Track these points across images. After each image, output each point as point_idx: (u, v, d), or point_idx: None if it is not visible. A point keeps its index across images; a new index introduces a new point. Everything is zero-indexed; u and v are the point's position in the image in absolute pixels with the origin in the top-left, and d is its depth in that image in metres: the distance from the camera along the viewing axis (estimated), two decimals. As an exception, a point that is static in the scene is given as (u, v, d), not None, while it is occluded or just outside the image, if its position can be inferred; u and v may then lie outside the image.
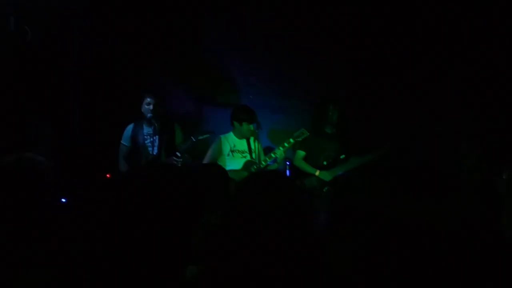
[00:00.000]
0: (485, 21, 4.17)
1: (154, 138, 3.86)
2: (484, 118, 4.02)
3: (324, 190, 4.09)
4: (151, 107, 3.84)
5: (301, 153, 4.25)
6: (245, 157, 4.09)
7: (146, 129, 3.98)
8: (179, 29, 4.78)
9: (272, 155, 4.02)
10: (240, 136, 4.09)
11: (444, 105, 4.38)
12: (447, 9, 4.32)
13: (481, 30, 4.20)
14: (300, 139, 4.04)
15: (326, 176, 4.12)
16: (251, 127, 4.00)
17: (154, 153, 3.87)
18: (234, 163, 4.05)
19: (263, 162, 4.01)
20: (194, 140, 3.88)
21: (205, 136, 3.95)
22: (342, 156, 4.17)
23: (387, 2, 4.51)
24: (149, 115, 3.88)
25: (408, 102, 4.51)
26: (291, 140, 4.02)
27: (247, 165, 4.04)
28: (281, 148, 4.01)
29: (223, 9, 4.73)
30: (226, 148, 4.08)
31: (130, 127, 4.02)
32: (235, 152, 4.09)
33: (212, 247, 1.70)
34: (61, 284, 1.52)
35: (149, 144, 3.94)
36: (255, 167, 3.98)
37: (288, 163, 4.68)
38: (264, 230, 1.38)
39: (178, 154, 3.79)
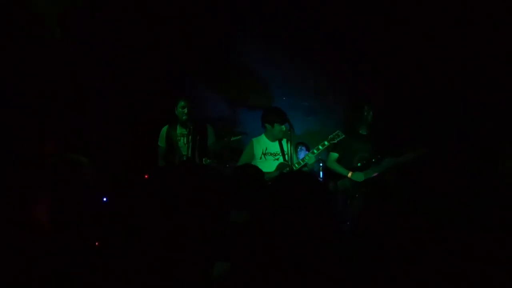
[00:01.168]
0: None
1: (188, 139, 3.97)
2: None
3: (356, 195, 4.03)
4: (185, 110, 3.97)
5: (334, 155, 4.22)
6: (277, 159, 4.08)
7: (180, 130, 4.13)
8: (210, 32, 4.87)
9: (301, 161, 4.00)
10: (272, 138, 4.10)
11: (480, 106, 4.20)
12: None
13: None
14: (335, 141, 3.98)
15: (359, 177, 4.07)
16: (283, 128, 3.99)
17: (188, 154, 3.99)
18: (266, 166, 4.04)
19: (296, 165, 4.01)
20: (226, 141, 3.96)
21: (237, 137, 4.02)
22: (374, 160, 4.09)
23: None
24: (183, 117, 4.01)
25: (444, 103, 4.37)
26: (326, 143, 3.98)
27: (280, 167, 4.03)
28: (310, 155, 3.98)
29: (255, 10, 4.77)
30: (258, 151, 4.09)
31: (164, 128, 4.19)
32: (267, 154, 4.09)
33: (240, 245, 1.76)
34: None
35: (183, 144, 4.07)
36: (287, 169, 3.97)
37: (321, 164, 4.67)
38: (290, 229, 1.42)
39: (209, 157, 3.88)
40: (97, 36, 4.46)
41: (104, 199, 3.21)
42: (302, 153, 4.86)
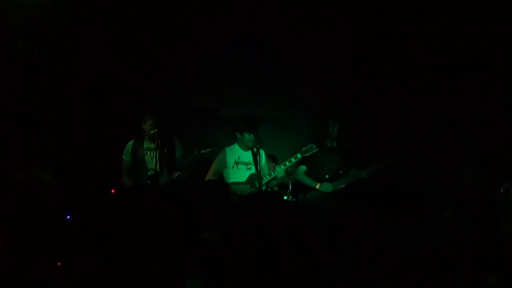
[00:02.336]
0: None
1: (155, 153, 3.91)
2: (484, 131, 4.03)
3: (325, 206, 4.08)
4: (153, 123, 3.90)
5: (303, 168, 4.27)
6: (249, 169, 4.05)
7: (146, 144, 4.05)
8: (179, 43, 4.86)
9: (272, 173, 4.00)
10: (244, 147, 4.07)
11: (443, 118, 4.40)
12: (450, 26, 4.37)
13: (481, 49, 4.23)
14: (308, 154, 3.99)
15: (327, 188, 4.14)
16: (252, 136, 3.96)
17: (156, 168, 3.92)
18: (238, 175, 4.04)
19: (267, 176, 4.02)
20: (196, 154, 3.92)
21: (207, 150, 3.98)
22: (341, 171, 4.17)
23: (388, 15, 4.55)
24: (151, 131, 3.94)
25: (408, 114, 4.53)
26: (299, 155, 3.98)
27: (250, 178, 4.03)
28: (282, 166, 3.99)
29: (223, 22, 4.80)
30: (231, 160, 4.06)
31: (130, 143, 4.09)
32: (240, 163, 4.06)
33: (213, 263, 1.74)
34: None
35: (149, 158, 4.00)
36: (258, 181, 3.95)
37: (290, 177, 4.70)
38: (261, 248, 1.44)
39: (178, 171, 3.83)
40: (62, 49, 4.36)
41: (68, 217, 3.08)
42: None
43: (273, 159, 4.89)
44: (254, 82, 5.06)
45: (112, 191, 4.41)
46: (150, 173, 3.96)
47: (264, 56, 4.95)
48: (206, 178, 4.09)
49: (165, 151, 3.97)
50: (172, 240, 1.62)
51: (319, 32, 4.79)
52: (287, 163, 4.00)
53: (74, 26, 4.41)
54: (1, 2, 3.87)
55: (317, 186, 4.16)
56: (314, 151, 4.00)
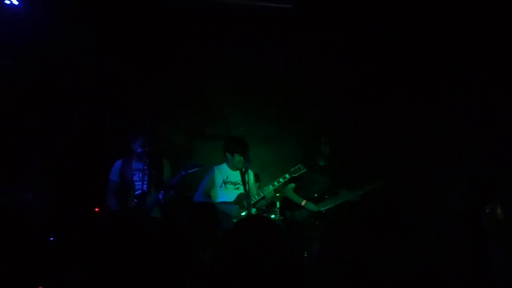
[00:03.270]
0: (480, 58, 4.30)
1: (143, 173, 3.85)
2: (471, 151, 4.08)
3: (312, 225, 4.07)
4: (142, 143, 3.85)
5: (291, 185, 4.27)
6: (237, 188, 4.05)
7: (135, 165, 3.99)
8: (167, 62, 4.85)
9: (261, 193, 3.99)
10: (233, 167, 4.07)
11: (432, 138, 4.44)
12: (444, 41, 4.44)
13: (479, 69, 4.31)
14: (296, 174, 4.01)
15: (312, 207, 4.14)
16: (243, 158, 3.95)
17: (144, 189, 3.85)
18: (226, 195, 4.02)
19: (256, 196, 3.99)
20: (183, 174, 3.88)
21: (194, 169, 3.94)
22: (330, 192, 4.17)
23: (377, 30, 4.60)
24: (139, 150, 3.89)
25: (397, 134, 4.56)
26: (287, 176, 3.99)
27: (239, 198, 4.00)
28: (271, 187, 3.98)
29: (211, 40, 4.81)
30: (219, 180, 4.06)
31: (118, 162, 4.02)
32: (228, 183, 4.06)
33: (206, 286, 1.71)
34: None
35: (138, 179, 3.93)
36: (247, 201, 3.92)
37: (278, 195, 4.68)
38: (251, 272, 1.42)
39: (165, 191, 3.78)
40: (49, 65, 4.31)
41: (51, 238, 2.98)
42: None
43: (256, 178, 4.88)
44: (240, 99, 5.07)
45: (96, 209, 4.31)
46: (137, 193, 3.89)
47: (250, 73, 4.97)
48: (195, 198, 4.05)
49: (153, 171, 3.91)
50: (162, 264, 1.59)
51: (307, 49, 4.83)
52: (276, 183, 3.99)
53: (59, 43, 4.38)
54: None
55: (303, 203, 4.17)
56: (302, 171, 4.01)
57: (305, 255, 3.81)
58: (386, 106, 4.70)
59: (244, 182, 3.95)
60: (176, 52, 4.83)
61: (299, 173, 4.00)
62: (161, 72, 4.84)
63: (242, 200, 3.95)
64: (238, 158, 3.98)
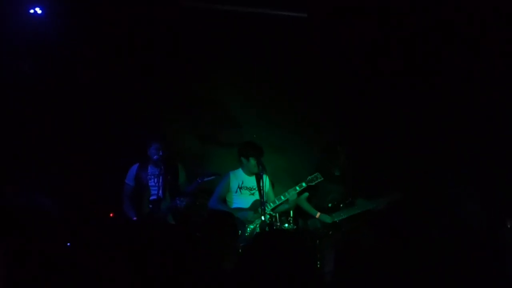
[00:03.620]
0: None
1: (159, 178, 3.89)
2: (488, 164, 4.01)
3: (325, 236, 4.02)
4: (159, 151, 3.89)
5: (305, 194, 4.24)
6: (253, 194, 4.03)
7: (151, 170, 4.03)
8: (183, 69, 4.89)
9: (282, 197, 3.94)
10: (249, 172, 4.07)
11: (447, 152, 4.38)
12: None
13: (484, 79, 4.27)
14: (313, 183, 3.97)
15: (327, 218, 4.09)
16: (257, 162, 3.92)
17: (159, 194, 3.89)
18: (241, 201, 4.02)
19: (271, 204, 3.97)
20: (200, 181, 3.91)
21: (210, 178, 3.96)
22: (345, 202, 4.11)
23: (394, 43, 4.58)
24: (155, 157, 3.93)
25: (413, 144, 4.51)
26: (304, 184, 3.97)
27: (254, 205, 3.98)
28: (293, 190, 3.94)
29: (226, 48, 4.84)
30: (234, 185, 4.06)
31: (134, 167, 4.07)
32: (243, 188, 4.06)
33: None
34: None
35: (153, 184, 3.97)
36: (261, 208, 3.81)
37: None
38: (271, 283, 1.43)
39: (181, 197, 3.80)
40: (64, 73, 4.40)
41: (68, 244, 3.00)
42: None
43: (271, 184, 4.87)
44: (253, 106, 5.08)
45: (111, 214, 4.35)
46: (152, 198, 3.93)
47: (264, 81, 4.98)
48: (210, 202, 4.06)
49: (169, 177, 3.95)
50: (182, 272, 1.60)
51: (321, 57, 4.84)
52: (292, 191, 3.96)
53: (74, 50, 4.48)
54: None
55: (317, 216, 4.11)
56: (319, 180, 3.98)
57: (318, 265, 3.77)
58: (403, 116, 4.66)
59: (259, 187, 3.89)
60: (191, 60, 4.88)
61: (316, 181, 3.97)
62: (176, 79, 4.88)
63: (257, 206, 3.92)
64: (253, 162, 3.98)
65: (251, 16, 4.61)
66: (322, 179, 3.98)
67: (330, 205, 4.17)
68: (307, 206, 4.20)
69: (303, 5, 4.54)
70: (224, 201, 4.09)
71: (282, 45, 4.79)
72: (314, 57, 4.84)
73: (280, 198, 3.98)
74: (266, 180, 4.04)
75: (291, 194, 3.94)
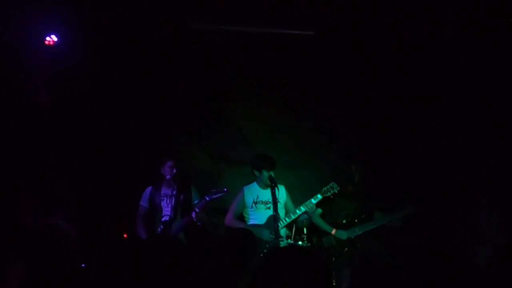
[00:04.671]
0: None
1: (171, 199, 3.92)
2: (506, 175, 3.94)
3: (340, 253, 3.97)
4: (173, 169, 3.93)
5: (319, 210, 4.21)
6: (269, 208, 3.96)
7: (164, 191, 4.07)
8: (194, 89, 4.96)
9: (298, 211, 3.90)
10: (263, 185, 4.04)
11: (459, 158, 4.34)
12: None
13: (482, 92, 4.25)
14: (329, 194, 3.92)
15: (343, 235, 4.03)
16: (272, 173, 3.92)
17: (171, 215, 3.92)
18: (257, 216, 3.99)
19: (286, 219, 3.94)
20: (208, 199, 3.91)
21: (218, 195, 3.94)
22: (360, 218, 4.05)
23: (405, 57, 4.59)
24: (168, 176, 3.97)
25: (426, 156, 4.48)
26: (319, 196, 3.93)
27: (269, 221, 3.89)
28: (312, 201, 3.89)
29: (236, 67, 4.91)
30: (249, 200, 4.04)
31: (149, 188, 4.13)
32: (259, 203, 4.02)
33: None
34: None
35: (165, 204, 4.00)
36: (275, 225, 3.75)
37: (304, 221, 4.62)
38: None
39: (195, 212, 3.80)
40: (79, 95, 4.51)
41: (83, 265, 3.02)
42: None
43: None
44: (264, 125, 5.11)
45: (125, 235, 4.38)
46: (164, 219, 3.95)
47: (274, 100, 5.01)
48: (226, 220, 4.04)
49: (181, 197, 3.98)
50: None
51: (328, 75, 4.87)
52: (308, 204, 3.93)
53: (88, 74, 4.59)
54: None
55: (333, 232, 4.07)
56: (335, 190, 3.93)
57: (334, 283, 3.71)
58: (415, 129, 4.63)
59: (274, 200, 3.81)
60: (203, 80, 4.95)
61: (332, 192, 3.92)
62: (188, 98, 4.95)
63: (273, 223, 3.87)
64: (266, 174, 3.96)
65: (262, 36, 4.69)
66: (339, 188, 3.92)
67: (344, 221, 4.13)
68: (322, 223, 4.16)
69: (311, 24, 4.60)
70: (240, 217, 4.07)
71: (292, 63, 4.84)
72: (324, 74, 4.88)
73: (297, 212, 3.92)
74: (282, 190, 4.00)
75: (309, 206, 3.88)
